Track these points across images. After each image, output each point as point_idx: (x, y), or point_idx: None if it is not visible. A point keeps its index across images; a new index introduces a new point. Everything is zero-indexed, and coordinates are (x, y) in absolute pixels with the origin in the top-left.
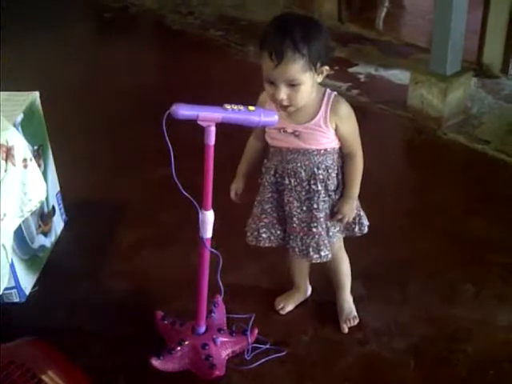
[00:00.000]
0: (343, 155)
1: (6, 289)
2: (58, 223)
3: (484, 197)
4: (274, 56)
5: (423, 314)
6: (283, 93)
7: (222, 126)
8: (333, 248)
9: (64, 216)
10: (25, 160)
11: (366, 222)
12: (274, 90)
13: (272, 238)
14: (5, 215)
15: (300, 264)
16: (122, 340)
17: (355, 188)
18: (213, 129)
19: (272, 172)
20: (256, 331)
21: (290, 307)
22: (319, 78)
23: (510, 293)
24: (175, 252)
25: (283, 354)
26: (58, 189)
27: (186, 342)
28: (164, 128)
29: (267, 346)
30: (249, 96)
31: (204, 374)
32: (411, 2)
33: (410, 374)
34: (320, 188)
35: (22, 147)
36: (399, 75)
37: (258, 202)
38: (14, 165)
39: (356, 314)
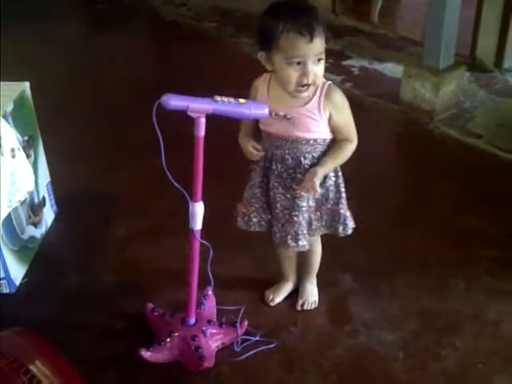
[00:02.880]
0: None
1: None
2: (49, 214)
3: (475, 190)
4: (305, 32)
5: (412, 307)
6: (311, 70)
7: (213, 118)
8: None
9: (55, 207)
10: (13, 150)
11: (351, 224)
12: (303, 69)
13: (262, 222)
14: None
15: (288, 255)
16: (112, 332)
17: (331, 164)
18: (203, 120)
19: (263, 157)
20: (246, 323)
21: (279, 299)
22: None
23: (498, 287)
24: (166, 244)
25: (272, 345)
26: (49, 179)
27: (176, 334)
28: (154, 118)
29: (257, 338)
30: (242, 87)
31: (193, 366)
32: None
33: (399, 366)
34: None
35: (10, 137)
36: (392, 68)
37: (249, 186)
38: (2, 155)
39: (317, 299)
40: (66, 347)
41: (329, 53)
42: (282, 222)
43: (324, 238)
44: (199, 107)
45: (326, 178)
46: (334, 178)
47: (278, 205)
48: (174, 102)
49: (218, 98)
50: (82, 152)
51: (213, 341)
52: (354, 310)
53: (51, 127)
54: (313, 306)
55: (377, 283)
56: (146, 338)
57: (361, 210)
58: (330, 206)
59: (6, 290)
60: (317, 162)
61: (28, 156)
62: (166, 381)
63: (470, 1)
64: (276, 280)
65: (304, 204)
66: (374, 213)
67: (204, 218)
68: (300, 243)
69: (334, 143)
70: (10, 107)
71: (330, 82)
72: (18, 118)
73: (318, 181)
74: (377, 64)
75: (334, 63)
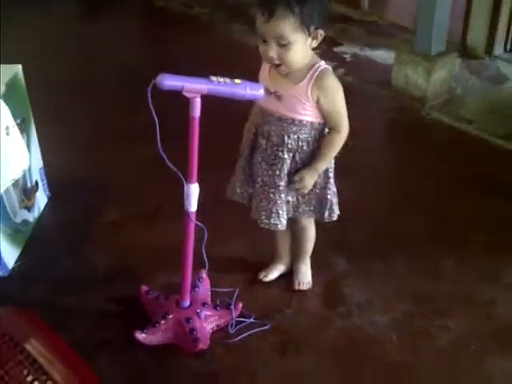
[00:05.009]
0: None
1: None
2: (42, 199)
3: (467, 175)
4: (264, 12)
5: (405, 289)
6: (273, 50)
7: (208, 100)
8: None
9: (48, 192)
10: (7, 128)
11: (337, 210)
12: (266, 47)
13: (244, 194)
14: None
15: (282, 234)
16: (106, 315)
17: (322, 161)
18: (198, 100)
19: (253, 131)
20: (240, 305)
21: (272, 276)
22: (314, 43)
23: (492, 270)
24: (160, 227)
25: (267, 327)
26: (42, 164)
27: (170, 316)
28: (149, 99)
29: (251, 320)
30: (234, 73)
31: (188, 347)
32: None
33: (392, 347)
34: (286, 157)
35: (4, 115)
36: (384, 55)
37: (239, 158)
38: None
39: (310, 280)
40: (59, 330)
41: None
42: (261, 197)
43: (317, 221)
44: (194, 87)
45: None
46: None
47: (259, 179)
48: (169, 81)
49: (214, 78)
50: (75, 137)
51: (207, 323)
52: (348, 292)
53: (44, 112)
54: (307, 287)
55: (370, 265)
56: (141, 321)
57: (354, 194)
58: (317, 190)
59: None
60: (302, 145)
61: None
62: (161, 362)
63: None
64: (270, 263)
65: (282, 183)
66: (367, 197)
67: (199, 201)
68: (272, 221)
69: (322, 139)
70: (1, 90)
71: (324, 67)
72: (10, 101)
73: (310, 180)
74: (368, 51)
75: (326, 49)
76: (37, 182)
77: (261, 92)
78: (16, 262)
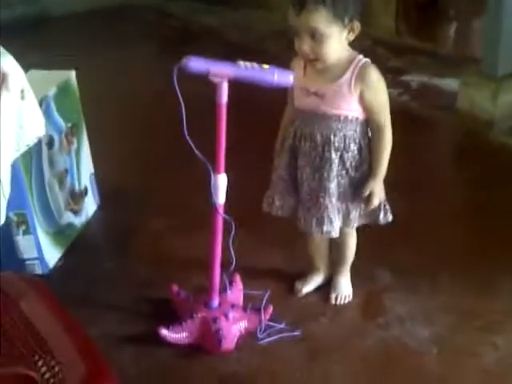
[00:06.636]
0: (371, 130)
1: (29, 259)
2: (91, 205)
3: None
4: (295, 4)
5: (452, 304)
6: (306, 44)
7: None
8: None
9: (97, 199)
10: (22, 91)
11: (389, 210)
12: (300, 41)
13: (285, 206)
14: None
15: (318, 244)
16: (137, 314)
17: (381, 165)
18: (225, 85)
19: (292, 135)
20: (270, 308)
21: (308, 289)
22: (350, 36)
23: None
24: (201, 237)
25: (298, 333)
26: (92, 171)
27: (198, 315)
28: (175, 81)
29: (282, 326)
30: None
31: (213, 348)
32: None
33: (431, 361)
34: (334, 156)
35: (19, 77)
36: (452, 84)
37: (277, 167)
38: (8, 91)
39: (351, 293)
40: (88, 324)
41: (388, 69)
42: (308, 205)
43: (365, 235)
44: (221, 71)
45: (362, 162)
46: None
47: (305, 185)
48: (195, 64)
49: (241, 63)
50: (126, 150)
51: (235, 324)
52: (389, 304)
53: (98, 122)
54: (346, 300)
55: (417, 280)
56: (170, 321)
57: (407, 209)
58: None
59: (39, 271)
60: (349, 143)
61: (71, 143)
62: (184, 362)
63: None
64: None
65: (332, 186)
66: (425, 215)
67: (238, 207)
68: (325, 228)
69: (371, 143)
70: (52, 91)
71: (366, 60)
72: (61, 105)
73: (378, 190)
74: (437, 79)
75: (392, 78)
76: (86, 188)
77: (290, 79)
78: (57, 262)
